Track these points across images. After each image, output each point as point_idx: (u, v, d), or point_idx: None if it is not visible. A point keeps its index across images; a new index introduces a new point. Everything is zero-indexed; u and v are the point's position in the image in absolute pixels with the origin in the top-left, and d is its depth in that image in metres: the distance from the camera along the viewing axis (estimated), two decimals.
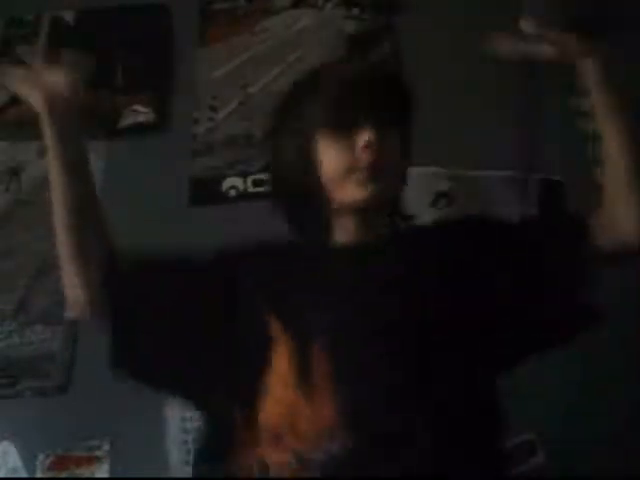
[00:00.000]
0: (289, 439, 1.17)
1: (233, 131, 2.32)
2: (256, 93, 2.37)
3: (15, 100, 2.47)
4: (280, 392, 1.20)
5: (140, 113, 2.38)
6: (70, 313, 1.38)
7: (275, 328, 1.23)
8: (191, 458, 1.92)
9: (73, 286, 1.40)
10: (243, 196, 2.23)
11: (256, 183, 2.23)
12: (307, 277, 1.29)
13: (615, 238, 1.29)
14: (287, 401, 1.19)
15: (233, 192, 2.25)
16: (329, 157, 1.29)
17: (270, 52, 2.43)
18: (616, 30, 2.21)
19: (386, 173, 1.29)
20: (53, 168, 1.41)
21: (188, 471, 1.92)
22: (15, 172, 2.38)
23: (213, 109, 2.36)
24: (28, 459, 2.01)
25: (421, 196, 2.10)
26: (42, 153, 2.38)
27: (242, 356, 1.26)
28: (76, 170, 1.42)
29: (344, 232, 1.33)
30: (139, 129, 2.38)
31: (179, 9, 2.53)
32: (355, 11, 2.44)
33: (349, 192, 1.28)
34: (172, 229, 2.18)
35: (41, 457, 2.00)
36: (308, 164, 1.30)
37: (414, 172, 2.13)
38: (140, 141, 2.35)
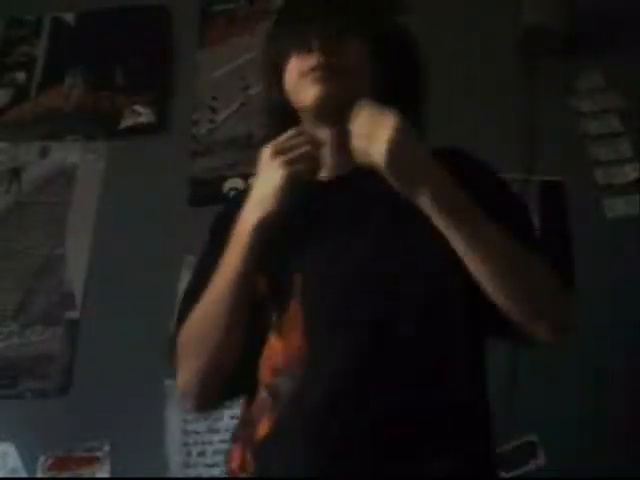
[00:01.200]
0: (266, 377, 1.23)
1: (233, 132, 2.32)
2: (256, 94, 2.37)
3: (16, 101, 2.49)
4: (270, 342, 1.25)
5: (140, 114, 2.39)
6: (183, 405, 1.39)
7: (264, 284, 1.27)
8: (191, 460, 1.94)
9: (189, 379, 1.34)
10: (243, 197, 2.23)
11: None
12: (291, 227, 1.28)
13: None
14: (270, 346, 1.24)
15: (234, 193, 2.24)
16: (289, 68, 1.33)
17: None
18: (616, 31, 2.22)
19: (343, 74, 1.29)
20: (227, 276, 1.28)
21: (188, 472, 1.93)
22: (16, 173, 2.38)
23: (213, 110, 2.36)
24: (28, 460, 2.01)
25: None
26: (43, 154, 2.39)
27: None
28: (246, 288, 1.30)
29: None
30: (139, 130, 2.38)
31: (179, 10, 2.53)
32: None
33: (304, 93, 1.30)
34: (172, 230, 2.19)
35: (41, 458, 2.01)
36: (280, 83, 1.35)
37: None
38: (140, 142, 2.36)
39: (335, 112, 1.29)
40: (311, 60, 1.29)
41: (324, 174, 1.33)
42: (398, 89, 1.36)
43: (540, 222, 2.06)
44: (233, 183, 2.25)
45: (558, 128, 2.12)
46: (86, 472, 1.99)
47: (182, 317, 1.34)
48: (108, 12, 2.55)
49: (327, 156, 1.33)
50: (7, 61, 2.55)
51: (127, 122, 2.38)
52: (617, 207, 2.05)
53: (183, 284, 2.10)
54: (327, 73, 1.28)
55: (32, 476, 1.99)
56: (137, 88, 2.43)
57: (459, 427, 1.18)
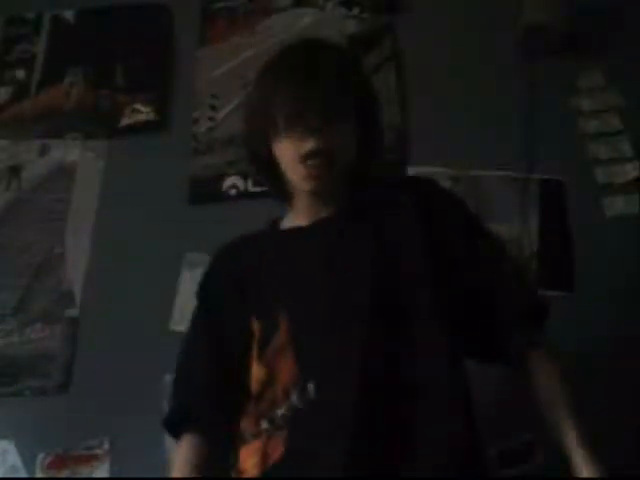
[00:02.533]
0: (262, 407, 1.31)
1: (233, 130, 2.31)
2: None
3: (16, 98, 2.49)
4: (255, 372, 1.35)
5: (141, 112, 2.38)
6: None
7: (252, 319, 1.40)
8: None
9: None
10: (243, 195, 2.23)
11: (256, 182, 2.23)
12: (268, 263, 1.45)
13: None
14: (258, 376, 1.34)
15: (233, 191, 2.24)
16: (283, 146, 1.40)
17: (271, 51, 2.41)
18: (616, 30, 2.22)
19: (335, 159, 1.39)
20: None
21: None
22: (16, 171, 2.38)
23: (213, 108, 2.36)
24: (28, 458, 2.01)
25: None
26: (43, 152, 2.39)
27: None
28: None
29: (302, 212, 1.47)
30: (140, 128, 2.38)
31: (180, 8, 2.53)
32: (355, 11, 2.43)
33: (302, 180, 1.40)
34: (172, 228, 2.19)
35: (41, 456, 2.00)
36: (268, 145, 1.43)
37: (415, 171, 2.14)
38: (140, 140, 2.35)
39: (328, 187, 1.41)
40: (308, 144, 1.36)
41: (302, 222, 1.46)
42: (371, 140, 1.48)
43: (540, 221, 2.06)
44: (233, 181, 2.25)
45: (558, 127, 2.12)
46: (85, 470, 1.98)
47: (175, 394, 1.51)
48: (108, 10, 2.55)
49: (306, 208, 1.46)
50: (7, 59, 2.55)
51: (127, 120, 2.38)
52: (617, 206, 2.05)
53: (183, 282, 2.12)
54: (325, 160, 1.37)
55: (31, 473, 1.98)
56: (137, 86, 2.42)
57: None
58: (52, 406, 2.05)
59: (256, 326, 1.39)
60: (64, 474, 1.98)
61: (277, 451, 1.26)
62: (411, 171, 2.14)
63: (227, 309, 1.46)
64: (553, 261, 2.02)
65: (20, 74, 2.51)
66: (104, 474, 1.97)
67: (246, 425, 1.34)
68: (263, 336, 1.36)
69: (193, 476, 1.40)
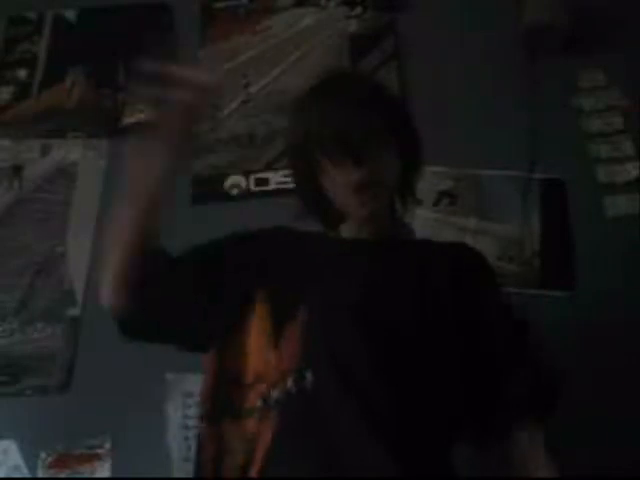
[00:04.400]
0: (260, 386, 1.33)
1: (235, 130, 2.32)
2: (258, 92, 2.38)
3: (18, 98, 2.49)
4: (257, 352, 1.37)
5: (142, 112, 2.38)
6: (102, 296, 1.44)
7: (259, 298, 1.40)
8: (191, 454, 1.93)
9: (111, 268, 1.44)
10: (245, 195, 2.23)
11: (258, 182, 2.23)
12: (306, 259, 1.45)
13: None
14: (262, 357, 1.36)
15: (235, 191, 2.25)
16: (331, 177, 1.41)
17: (272, 51, 2.43)
18: (617, 29, 2.22)
19: (386, 184, 1.43)
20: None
21: (189, 468, 1.93)
22: (17, 171, 2.38)
23: (215, 108, 2.36)
24: (29, 457, 2.01)
25: (424, 195, 2.09)
26: (44, 151, 2.39)
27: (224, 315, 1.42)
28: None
29: (347, 230, 1.49)
30: (141, 128, 2.37)
31: (181, 8, 2.53)
32: (357, 10, 2.44)
33: (352, 209, 1.43)
34: (174, 227, 2.19)
35: (42, 455, 2.00)
36: (314, 176, 1.45)
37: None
38: (142, 139, 2.35)
39: (375, 214, 1.44)
40: (358, 175, 1.38)
41: (346, 235, 1.49)
42: (412, 166, 1.51)
43: (541, 220, 2.07)
44: (235, 180, 2.25)
45: (559, 126, 2.13)
46: (87, 469, 1.99)
47: None
48: (110, 9, 2.55)
49: (354, 228, 1.48)
50: (9, 58, 2.55)
51: (128, 120, 2.38)
52: (618, 205, 2.05)
53: None
54: (375, 190, 1.40)
55: (33, 473, 1.99)
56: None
57: None
58: (54, 405, 2.05)
59: (262, 306, 1.40)
60: (66, 473, 1.99)
61: (267, 436, 1.28)
62: None
63: (238, 271, 1.46)
64: (554, 260, 2.02)
65: (22, 74, 2.51)
66: (105, 473, 1.97)
67: (240, 397, 1.35)
68: (275, 323, 1.37)
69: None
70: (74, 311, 2.16)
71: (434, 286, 1.39)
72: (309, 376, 1.27)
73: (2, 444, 2.03)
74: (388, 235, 1.48)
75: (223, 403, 1.37)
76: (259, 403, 1.31)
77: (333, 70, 1.55)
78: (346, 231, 1.50)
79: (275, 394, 1.30)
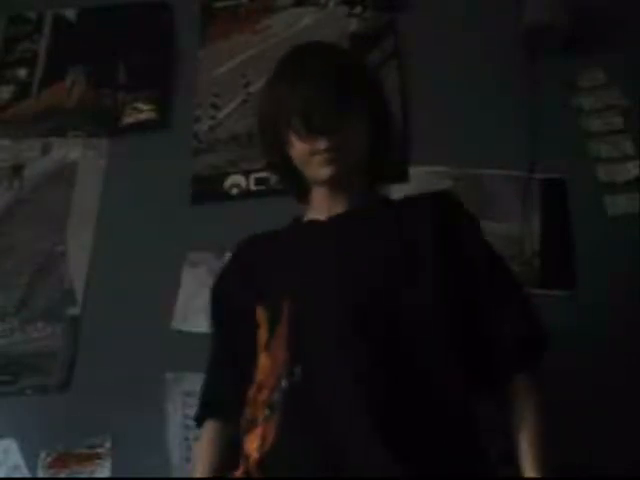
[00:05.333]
0: (264, 394, 1.34)
1: (235, 129, 2.32)
2: (258, 91, 2.37)
3: (18, 97, 2.49)
4: (262, 361, 1.39)
5: (142, 111, 2.39)
6: None
7: (258, 308, 1.44)
8: (191, 454, 1.93)
9: None
10: (245, 194, 2.23)
11: (258, 181, 2.23)
12: (281, 254, 1.50)
13: None
14: (265, 365, 1.38)
15: (235, 190, 2.24)
16: (296, 143, 1.47)
17: (272, 50, 2.42)
18: (618, 28, 2.22)
19: (348, 150, 1.46)
20: None
21: (189, 468, 1.93)
22: (18, 170, 2.38)
23: (215, 107, 2.36)
24: (30, 457, 2.01)
25: None
26: (44, 151, 2.39)
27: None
28: None
29: (320, 209, 1.51)
30: (141, 127, 2.38)
31: (181, 7, 2.53)
32: (357, 9, 2.44)
33: (315, 172, 1.47)
34: (174, 227, 2.19)
35: (42, 455, 2.00)
36: (282, 148, 1.51)
37: (416, 171, 2.14)
38: (142, 139, 2.35)
39: (344, 179, 1.48)
40: (320, 143, 1.43)
41: (320, 216, 1.51)
42: (383, 137, 1.55)
43: (541, 220, 2.06)
44: (234, 180, 2.25)
45: (559, 126, 2.13)
46: (87, 469, 1.99)
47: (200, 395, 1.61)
48: (110, 9, 2.55)
49: (323, 203, 1.51)
50: (9, 58, 2.55)
51: (128, 119, 2.38)
52: (618, 205, 2.05)
53: (184, 281, 2.12)
54: (336, 154, 1.44)
55: (33, 472, 1.99)
56: (139, 85, 2.43)
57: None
58: (54, 405, 2.05)
59: (261, 314, 1.43)
60: (66, 473, 1.98)
61: (271, 435, 1.29)
62: (412, 170, 2.14)
63: (237, 306, 1.52)
64: (554, 260, 2.02)
65: (22, 73, 2.51)
66: (106, 473, 1.97)
67: (253, 412, 1.36)
68: (270, 325, 1.40)
69: (215, 456, 1.50)
70: (74, 310, 2.16)
71: (412, 239, 1.40)
72: (298, 372, 1.29)
73: (2, 443, 2.03)
74: (363, 207, 1.50)
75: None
76: (266, 412, 1.33)
77: (302, 43, 1.60)
78: (320, 210, 1.51)
79: (275, 397, 1.31)
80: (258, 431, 1.32)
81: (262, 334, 1.42)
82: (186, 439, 1.96)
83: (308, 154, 1.46)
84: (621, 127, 2.14)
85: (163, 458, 1.94)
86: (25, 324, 2.17)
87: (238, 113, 2.34)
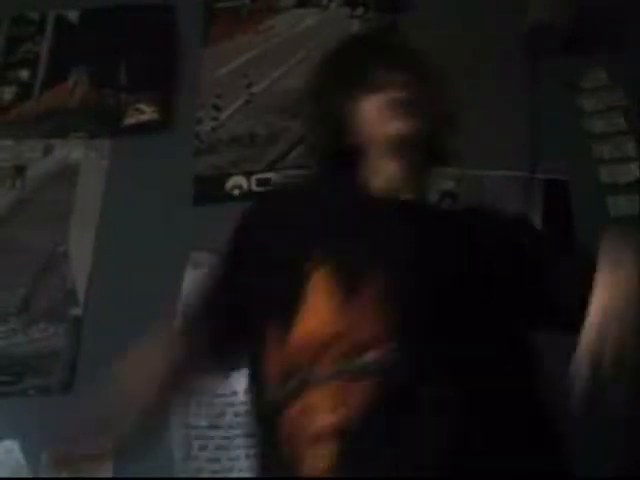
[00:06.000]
0: (334, 352, 1.19)
1: (237, 130, 2.32)
2: (260, 92, 2.38)
3: (20, 98, 2.49)
4: (322, 313, 1.23)
5: (144, 112, 2.39)
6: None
7: (315, 257, 1.27)
8: (193, 453, 1.94)
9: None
10: (247, 195, 2.23)
11: (260, 182, 2.24)
12: (345, 216, 1.36)
13: None
14: (331, 319, 1.22)
15: (237, 191, 2.25)
16: (369, 102, 1.41)
17: (274, 51, 2.43)
18: (620, 29, 2.22)
19: (422, 116, 1.40)
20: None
21: (190, 467, 1.94)
22: (20, 170, 2.38)
23: (217, 108, 2.36)
24: (31, 457, 2.01)
25: None
26: (47, 151, 2.39)
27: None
28: None
29: (384, 178, 1.42)
30: (143, 128, 2.38)
31: (183, 8, 2.53)
32: (359, 10, 2.44)
33: (391, 125, 1.40)
34: (175, 228, 2.19)
35: (44, 455, 2.00)
36: (348, 121, 1.43)
37: None
38: (144, 140, 2.36)
39: (412, 145, 1.41)
40: (400, 93, 1.39)
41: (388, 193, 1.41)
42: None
43: (543, 221, 2.06)
44: (236, 181, 2.25)
45: (562, 127, 2.12)
46: (89, 469, 1.99)
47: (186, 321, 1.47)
48: (112, 10, 2.55)
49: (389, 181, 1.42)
50: (11, 59, 2.55)
51: (130, 120, 2.39)
52: (621, 206, 2.05)
53: (187, 281, 2.12)
54: (414, 109, 1.40)
55: (35, 473, 1.99)
56: (141, 86, 2.43)
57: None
58: (56, 405, 2.05)
59: (323, 271, 1.27)
60: (67, 473, 1.99)
61: (360, 397, 1.15)
62: None
63: (270, 249, 1.39)
64: None
65: (24, 74, 2.52)
66: (107, 473, 1.97)
67: (312, 362, 1.21)
68: (341, 282, 1.25)
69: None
70: (76, 311, 2.16)
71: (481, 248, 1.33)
72: (394, 346, 1.17)
73: (4, 444, 2.03)
74: (419, 198, 1.44)
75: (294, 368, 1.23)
76: (337, 372, 1.18)
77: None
78: (376, 187, 1.42)
79: (360, 363, 1.18)
80: (331, 389, 1.18)
81: (321, 287, 1.26)
82: (187, 438, 1.96)
83: (385, 107, 1.40)
84: (623, 128, 2.14)
85: (164, 459, 1.94)
86: (27, 325, 2.17)
87: (240, 114, 2.35)
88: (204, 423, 1.98)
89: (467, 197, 2.12)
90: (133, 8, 2.54)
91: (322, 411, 1.16)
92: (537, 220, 2.06)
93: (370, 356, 1.17)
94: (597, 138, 2.14)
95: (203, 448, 1.97)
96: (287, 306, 1.26)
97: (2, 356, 2.14)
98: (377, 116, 1.41)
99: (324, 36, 2.41)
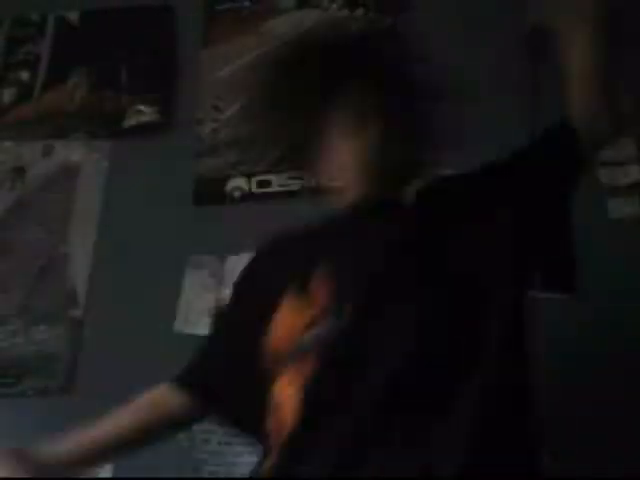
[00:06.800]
0: (294, 333, 1.23)
1: (237, 132, 2.32)
2: None
3: (20, 99, 2.49)
4: (285, 314, 1.27)
5: (144, 113, 2.39)
6: None
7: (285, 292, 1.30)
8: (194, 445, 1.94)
9: None
10: (247, 197, 2.23)
11: (260, 184, 2.23)
12: (320, 235, 1.38)
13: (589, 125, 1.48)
14: (291, 314, 1.26)
15: (237, 193, 2.25)
16: (342, 151, 1.38)
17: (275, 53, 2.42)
18: (616, 32, 2.21)
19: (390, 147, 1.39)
20: None
21: (190, 467, 1.94)
22: (20, 172, 2.39)
23: (217, 109, 2.36)
24: None
25: None
26: (46, 153, 2.39)
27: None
28: None
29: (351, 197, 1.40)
30: (143, 129, 2.38)
31: (184, 9, 2.53)
32: (359, 12, 2.44)
33: (356, 189, 1.37)
34: (176, 229, 2.19)
35: None
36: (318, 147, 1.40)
37: None
38: (144, 141, 2.36)
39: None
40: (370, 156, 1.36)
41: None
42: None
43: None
44: (237, 183, 2.25)
45: None
46: (88, 470, 1.98)
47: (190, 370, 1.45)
48: (112, 11, 2.56)
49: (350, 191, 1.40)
50: (11, 60, 2.55)
51: (131, 121, 2.39)
52: (620, 208, 2.05)
53: (186, 283, 2.12)
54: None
55: None
56: (141, 87, 2.43)
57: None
58: (56, 407, 2.05)
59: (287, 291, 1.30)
60: (67, 474, 1.98)
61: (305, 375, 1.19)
62: None
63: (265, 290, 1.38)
64: (556, 262, 2.01)
65: (24, 75, 2.52)
66: (107, 474, 1.97)
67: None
68: (298, 281, 1.28)
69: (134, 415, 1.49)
70: (76, 312, 2.16)
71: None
72: (347, 309, 1.19)
73: (4, 445, 2.02)
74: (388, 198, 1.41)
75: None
76: (289, 355, 1.23)
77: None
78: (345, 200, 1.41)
79: (311, 336, 1.21)
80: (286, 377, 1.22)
81: (287, 302, 1.29)
82: (188, 434, 1.96)
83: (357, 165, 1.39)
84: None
85: (164, 459, 1.94)
86: (27, 326, 2.17)
87: (241, 116, 2.34)
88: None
89: None
90: (133, 9, 2.54)
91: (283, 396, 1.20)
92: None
93: (313, 332, 1.20)
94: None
95: (206, 442, 1.97)
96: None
97: (2, 357, 2.14)
98: (347, 167, 1.38)
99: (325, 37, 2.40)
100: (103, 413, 1.99)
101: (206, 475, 1.95)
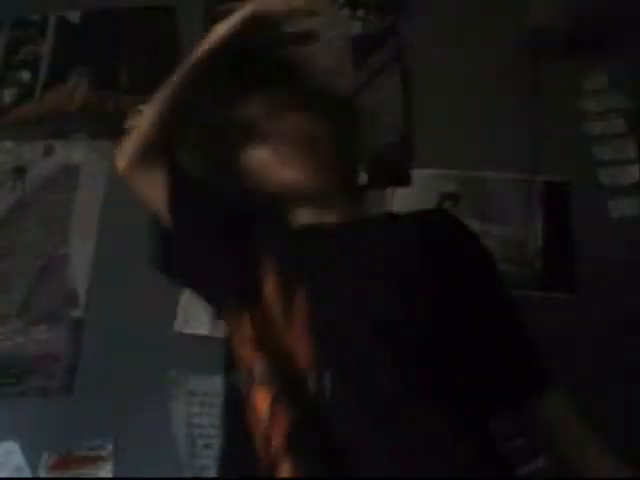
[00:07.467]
0: (271, 356, 1.21)
1: None
2: None
3: (21, 99, 2.50)
4: (266, 317, 1.25)
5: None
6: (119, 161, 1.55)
7: (267, 266, 1.29)
8: (197, 451, 1.94)
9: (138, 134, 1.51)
10: None
11: None
12: (306, 242, 1.34)
13: None
14: (271, 328, 1.24)
15: None
16: (261, 152, 1.39)
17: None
18: (620, 32, 2.22)
19: (318, 162, 1.37)
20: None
21: (191, 467, 1.94)
22: (20, 172, 2.39)
23: None
24: (32, 458, 2.01)
25: (427, 197, 2.10)
26: (47, 153, 2.40)
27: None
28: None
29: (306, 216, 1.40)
30: None
31: (184, 10, 2.53)
32: (360, 12, 2.43)
33: (282, 175, 1.37)
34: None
35: (45, 456, 2.01)
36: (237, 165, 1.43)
37: (418, 174, 2.14)
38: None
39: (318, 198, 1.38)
40: (288, 143, 1.37)
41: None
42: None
43: (544, 222, 2.06)
44: None
45: (562, 128, 2.12)
46: (89, 471, 1.99)
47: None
48: (113, 11, 2.56)
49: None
50: (12, 60, 2.56)
51: (132, 121, 2.39)
52: (620, 208, 2.05)
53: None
54: (305, 159, 1.37)
55: (35, 474, 1.99)
56: (142, 88, 2.43)
57: None
58: (56, 407, 2.06)
59: (270, 271, 1.29)
60: (68, 475, 1.99)
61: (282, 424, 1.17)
62: (415, 173, 2.14)
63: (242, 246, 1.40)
64: (556, 262, 2.02)
65: (25, 75, 2.52)
66: (107, 475, 1.98)
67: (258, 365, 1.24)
68: (283, 297, 1.26)
69: None
70: (76, 312, 2.17)
71: (406, 271, 1.27)
72: (327, 377, 1.17)
73: (5, 445, 2.03)
74: (349, 218, 1.39)
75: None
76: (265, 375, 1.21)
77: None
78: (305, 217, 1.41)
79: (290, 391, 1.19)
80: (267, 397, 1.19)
81: (271, 299, 1.28)
82: (189, 437, 1.96)
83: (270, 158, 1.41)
84: (624, 130, 2.13)
85: (165, 460, 1.94)
86: (27, 326, 2.17)
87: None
88: (206, 422, 1.98)
89: (468, 199, 2.12)
90: (134, 10, 2.54)
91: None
92: (537, 222, 2.07)
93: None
94: (597, 140, 2.13)
95: (207, 447, 1.97)
96: (241, 296, 1.29)
97: (2, 357, 2.14)
98: (271, 170, 1.39)
99: (325, 38, 2.40)
100: (103, 413, 2.01)
101: None
